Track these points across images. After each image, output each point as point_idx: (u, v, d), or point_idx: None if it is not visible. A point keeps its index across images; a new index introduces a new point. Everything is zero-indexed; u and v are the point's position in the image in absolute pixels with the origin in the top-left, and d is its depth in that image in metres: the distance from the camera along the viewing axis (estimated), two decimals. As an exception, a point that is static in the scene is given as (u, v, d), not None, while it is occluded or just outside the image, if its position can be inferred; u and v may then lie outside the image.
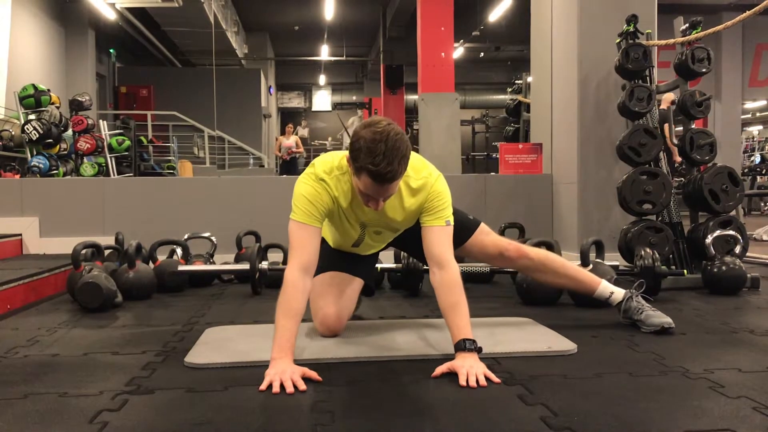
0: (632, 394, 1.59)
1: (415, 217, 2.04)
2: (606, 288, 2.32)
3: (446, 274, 1.88)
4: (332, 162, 1.96)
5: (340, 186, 1.95)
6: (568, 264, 2.35)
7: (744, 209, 8.30)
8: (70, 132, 6.92)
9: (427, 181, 1.97)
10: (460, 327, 1.79)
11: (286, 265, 1.90)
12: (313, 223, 1.90)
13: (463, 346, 1.75)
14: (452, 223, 1.98)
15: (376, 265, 2.89)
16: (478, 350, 1.76)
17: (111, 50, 14.52)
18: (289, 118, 23.12)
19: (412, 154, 1.91)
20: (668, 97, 6.65)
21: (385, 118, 1.81)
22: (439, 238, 1.94)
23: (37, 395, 1.60)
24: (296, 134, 12.81)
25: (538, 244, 2.72)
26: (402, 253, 3.07)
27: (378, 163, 1.71)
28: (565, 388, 1.64)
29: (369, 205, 1.87)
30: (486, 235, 2.28)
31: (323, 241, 2.09)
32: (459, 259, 2.03)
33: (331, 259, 2.22)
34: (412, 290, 3.09)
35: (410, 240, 2.17)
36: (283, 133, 13.95)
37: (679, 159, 6.20)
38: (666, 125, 6.03)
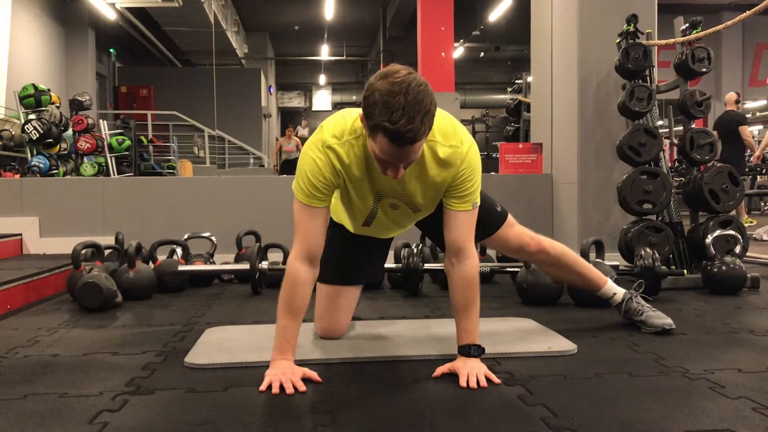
0: (632, 394, 1.59)
1: (438, 195, 1.79)
2: (610, 288, 2.31)
3: (465, 269, 1.75)
4: (344, 124, 1.69)
5: (353, 152, 1.69)
6: (581, 261, 2.31)
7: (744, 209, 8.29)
8: (70, 132, 6.93)
9: (457, 151, 1.70)
10: (468, 330, 1.75)
11: (286, 265, 1.79)
12: (317, 204, 1.71)
13: (468, 351, 1.73)
14: (479, 204, 1.79)
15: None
16: (481, 352, 1.75)
17: (111, 50, 14.53)
18: (289, 117, 23.14)
19: (442, 113, 1.66)
20: (731, 98, 6.67)
21: (405, 67, 1.52)
22: (462, 225, 1.75)
23: (37, 395, 1.60)
24: (296, 135, 12.81)
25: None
26: (402, 252, 3.07)
27: (396, 120, 1.44)
28: (565, 388, 1.64)
29: (387, 173, 1.60)
30: (510, 228, 2.11)
31: (331, 223, 1.90)
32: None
33: (337, 258, 2.03)
34: (412, 290, 3.09)
35: (431, 222, 1.96)
36: (283, 134, 13.93)
37: (757, 158, 6.27)
38: (741, 127, 6.06)
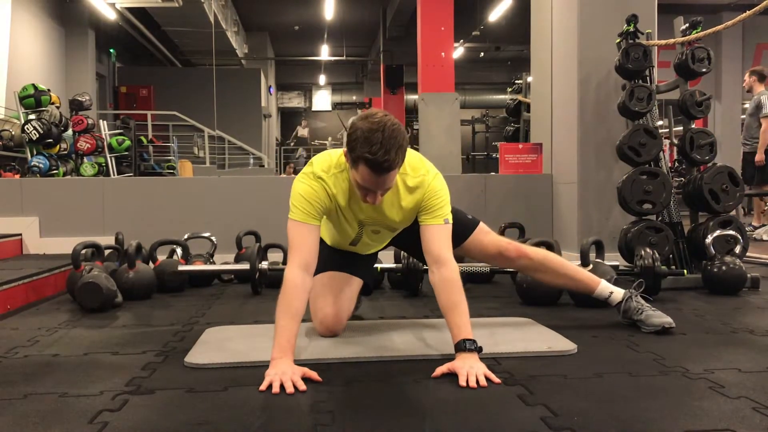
0: (632, 394, 1.59)
1: (412, 216, 2.04)
2: (605, 288, 2.32)
3: (445, 273, 1.87)
4: (330, 160, 1.96)
5: (339, 184, 1.95)
6: (567, 263, 2.34)
7: (744, 209, 8.28)
8: (70, 132, 6.92)
9: (424, 179, 1.97)
10: (461, 327, 1.79)
11: (285, 265, 1.89)
12: (312, 222, 1.90)
13: (464, 346, 1.75)
14: (451, 221, 1.98)
15: (376, 265, 2.89)
16: (479, 350, 1.76)
17: (111, 50, 14.52)
18: (289, 118, 23.13)
19: (411, 152, 1.93)
20: None
21: (381, 110, 1.82)
22: (437, 237, 1.93)
23: (37, 395, 1.60)
24: (297, 135, 12.85)
25: (537, 244, 2.72)
26: (402, 253, 3.07)
27: (375, 151, 1.71)
28: (565, 388, 1.64)
29: (367, 200, 1.86)
30: (485, 235, 2.27)
31: (321, 241, 2.08)
32: (459, 258, 2.02)
33: (330, 258, 2.20)
34: (412, 290, 3.09)
35: (409, 239, 2.15)
36: (281, 143, 14.03)
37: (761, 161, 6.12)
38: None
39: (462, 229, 2.21)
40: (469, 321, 1.81)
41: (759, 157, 6.05)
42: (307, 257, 1.86)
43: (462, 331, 1.78)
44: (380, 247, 2.33)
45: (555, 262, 2.30)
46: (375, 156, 1.71)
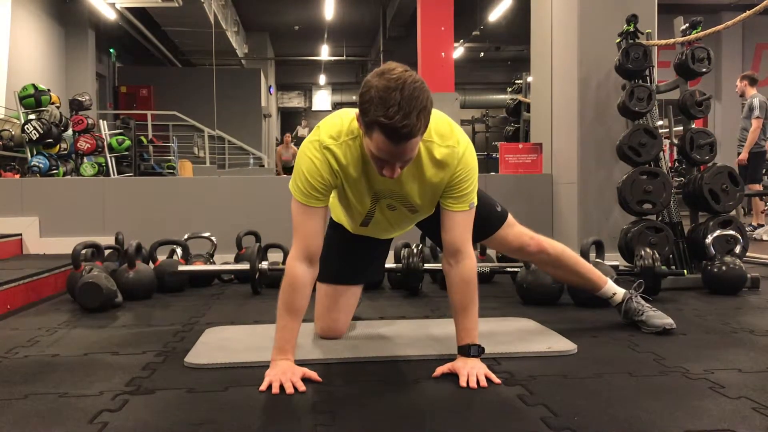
0: (632, 394, 1.59)
1: (435, 197, 1.79)
2: (610, 288, 2.31)
3: (462, 268, 1.75)
4: (341, 125, 1.69)
5: (350, 153, 1.69)
6: (581, 261, 2.30)
7: (744, 209, 8.28)
8: (70, 132, 6.93)
9: (453, 152, 1.70)
10: (468, 330, 1.76)
11: (285, 265, 1.79)
12: (315, 204, 1.71)
13: (468, 352, 1.73)
14: (476, 203, 1.79)
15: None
16: (481, 351, 1.75)
17: (111, 50, 14.53)
18: (289, 117, 23.13)
19: (438, 115, 1.68)
20: None
21: (401, 65, 1.52)
22: (460, 225, 1.75)
23: (37, 395, 1.60)
24: (296, 135, 12.83)
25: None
26: (402, 252, 3.07)
27: (392, 115, 1.43)
28: (565, 388, 1.64)
29: (384, 172, 1.59)
30: (510, 228, 2.12)
31: (330, 225, 1.91)
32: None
33: (337, 256, 2.05)
34: (412, 290, 3.09)
35: (430, 223, 1.97)
36: (281, 139, 13.94)
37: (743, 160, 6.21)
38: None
39: (491, 223, 2.07)
40: (477, 324, 1.77)
41: (743, 156, 6.18)
42: (309, 245, 1.72)
43: (469, 335, 1.75)
44: (397, 233, 2.11)
45: (570, 260, 2.24)
46: (392, 120, 1.44)
